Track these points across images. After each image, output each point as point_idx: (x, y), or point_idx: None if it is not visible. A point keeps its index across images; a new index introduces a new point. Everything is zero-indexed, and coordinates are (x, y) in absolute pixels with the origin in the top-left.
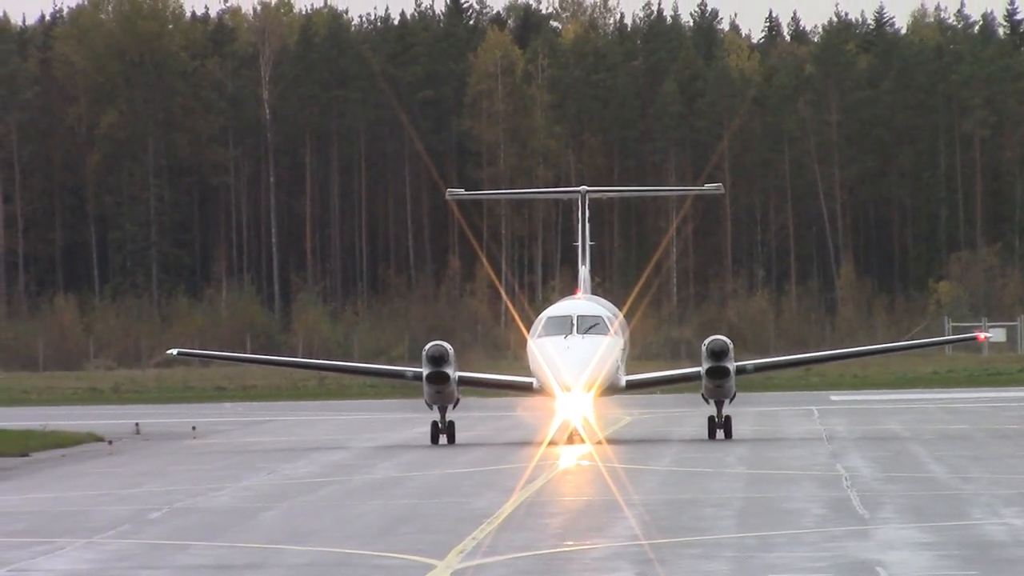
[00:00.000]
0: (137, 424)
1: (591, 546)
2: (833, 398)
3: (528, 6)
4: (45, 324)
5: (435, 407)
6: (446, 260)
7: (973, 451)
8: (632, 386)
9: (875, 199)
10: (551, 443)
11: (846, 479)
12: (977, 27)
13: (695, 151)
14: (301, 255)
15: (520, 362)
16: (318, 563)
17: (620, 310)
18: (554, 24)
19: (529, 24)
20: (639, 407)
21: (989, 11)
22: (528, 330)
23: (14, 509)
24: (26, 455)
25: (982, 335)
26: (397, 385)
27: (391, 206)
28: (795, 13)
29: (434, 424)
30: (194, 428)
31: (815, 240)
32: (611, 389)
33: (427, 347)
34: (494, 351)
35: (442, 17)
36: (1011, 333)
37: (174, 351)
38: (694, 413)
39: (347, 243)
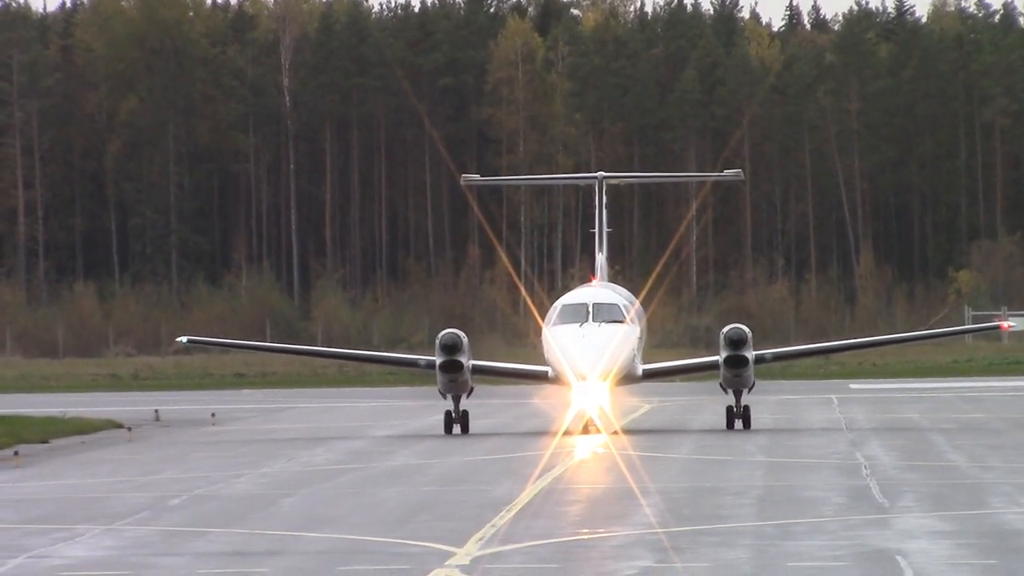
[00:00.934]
0: (156, 411)
1: (610, 534)
2: (852, 387)
3: None
4: (65, 311)
5: (448, 396)
6: (466, 248)
7: (992, 440)
8: (649, 375)
9: (895, 188)
10: (566, 433)
11: (865, 468)
12: (997, 16)
13: (715, 139)
14: (321, 242)
15: (537, 350)
16: (337, 550)
17: (639, 298)
18: (574, 12)
19: (549, 12)
20: (656, 396)
21: (1009, 0)
22: (543, 318)
23: (34, 496)
24: (46, 442)
25: (1006, 324)
26: (415, 373)
27: (411, 193)
28: (815, 2)
29: (448, 414)
30: (213, 415)
31: (835, 229)
32: (627, 378)
33: (440, 335)
34: (514, 339)
35: (462, 5)
36: None
37: (184, 339)
38: (712, 402)
39: (367, 230)
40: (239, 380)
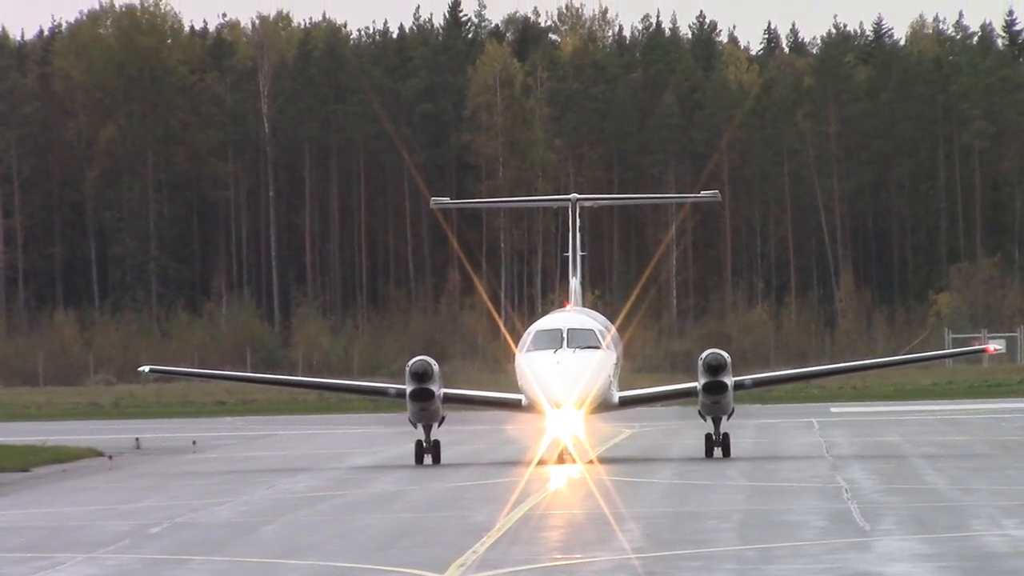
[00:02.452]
0: (137, 439)
1: (591, 559)
2: (833, 410)
3: (527, 19)
4: (45, 339)
5: (419, 425)
6: (446, 274)
7: (973, 463)
8: (625, 402)
9: (874, 210)
10: (540, 462)
11: (846, 491)
12: (976, 38)
13: (694, 163)
14: (301, 269)
15: (512, 377)
16: None
17: (618, 323)
18: (553, 37)
19: (528, 37)
20: (633, 423)
21: (988, 22)
22: (516, 344)
23: (14, 524)
24: (26, 470)
25: (991, 348)
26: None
27: (391, 219)
28: (794, 25)
29: (418, 443)
30: (194, 443)
31: (815, 252)
32: (603, 406)
33: (410, 363)
34: (494, 365)
35: (441, 30)
36: (1011, 344)
37: (146, 368)
38: (691, 428)
39: (347, 257)
40: (220, 408)
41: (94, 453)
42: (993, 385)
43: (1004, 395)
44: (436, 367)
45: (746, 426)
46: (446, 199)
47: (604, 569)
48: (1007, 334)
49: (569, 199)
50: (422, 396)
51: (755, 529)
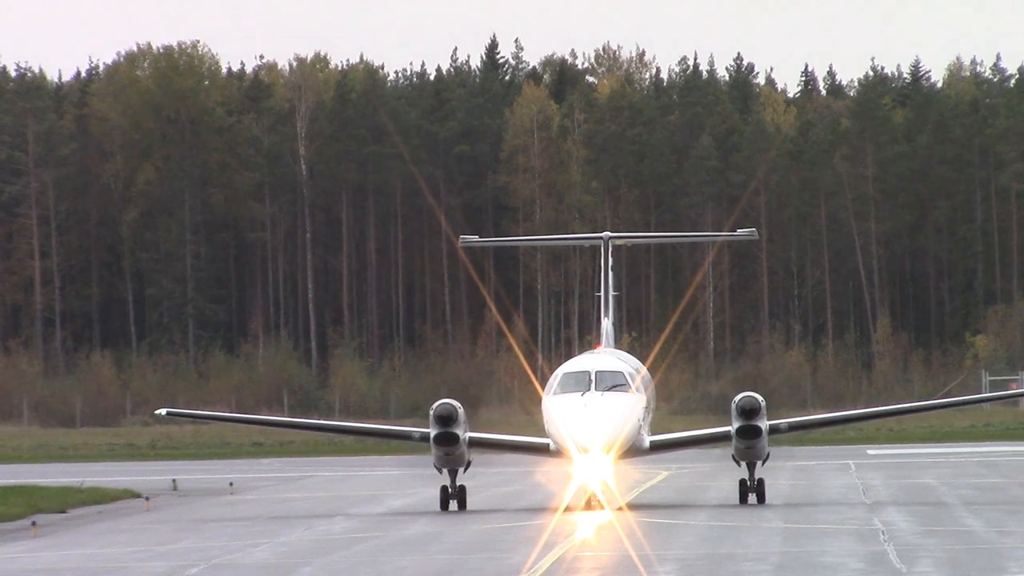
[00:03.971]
0: (174, 480)
1: None
2: (870, 452)
3: (564, 61)
4: (82, 380)
5: (444, 471)
6: (482, 315)
7: (1010, 504)
8: (657, 447)
9: (911, 253)
10: (567, 509)
11: (883, 533)
12: (1013, 80)
13: (731, 205)
14: (338, 310)
15: (538, 421)
16: None
17: (656, 364)
18: (590, 79)
19: (565, 79)
20: (671, 464)
21: None
22: (544, 386)
23: (52, 566)
24: (64, 511)
25: None
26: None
27: (427, 261)
28: (831, 67)
29: (443, 489)
30: (231, 484)
31: (851, 294)
32: (633, 451)
33: (434, 406)
34: (532, 407)
35: (478, 72)
36: None
37: (163, 411)
38: (727, 470)
39: (383, 298)
40: (257, 449)
41: (131, 494)
42: None
43: None
44: (461, 410)
45: (783, 468)
46: (475, 237)
47: None
48: None
49: (601, 237)
50: (447, 440)
51: (792, 571)
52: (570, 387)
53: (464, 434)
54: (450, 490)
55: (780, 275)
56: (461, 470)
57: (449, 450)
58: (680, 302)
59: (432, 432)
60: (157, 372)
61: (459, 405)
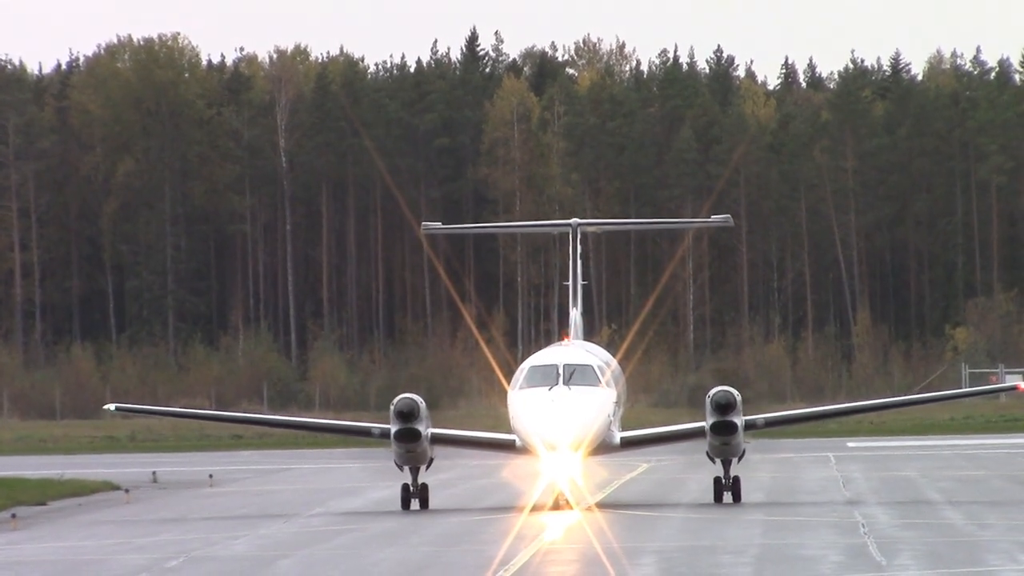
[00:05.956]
0: (154, 472)
1: None
2: (850, 444)
3: (544, 53)
4: (62, 373)
5: (406, 468)
6: (463, 308)
7: (990, 497)
8: (628, 443)
9: (891, 245)
10: (535, 509)
11: (863, 526)
12: (993, 73)
13: (711, 197)
14: (318, 303)
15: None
16: None
17: (632, 356)
18: (570, 71)
19: (545, 71)
20: (650, 457)
21: (1005, 57)
22: (509, 380)
23: (32, 558)
24: (44, 504)
25: (1022, 385)
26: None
27: (407, 254)
28: (811, 60)
29: (405, 487)
30: (211, 476)
31: (831, 286)
32: (603, 448)
33: (395, 401)
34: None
35: (458, 65)
36: None
37: (112, 406)
38: (700, 468)
39: (364, 291)
40: (236, 442)
41: (111, 487)
42: (1010, 420)
43: (1021, 430)
44: (423, 405)
45: (762, 461)
46: (437, 224)
47: None
48: None
49: (570, 224)
50: (408, 437)
51: (772, 564)
52: (537, 381)
53: (426, 430)
54: (412, 488)
55: (760, 267)
56: (423, 468)
57: (410, 447)
58: (660, 295)
59: (392, 428)
60: (137, 364)
61: (421, 400)
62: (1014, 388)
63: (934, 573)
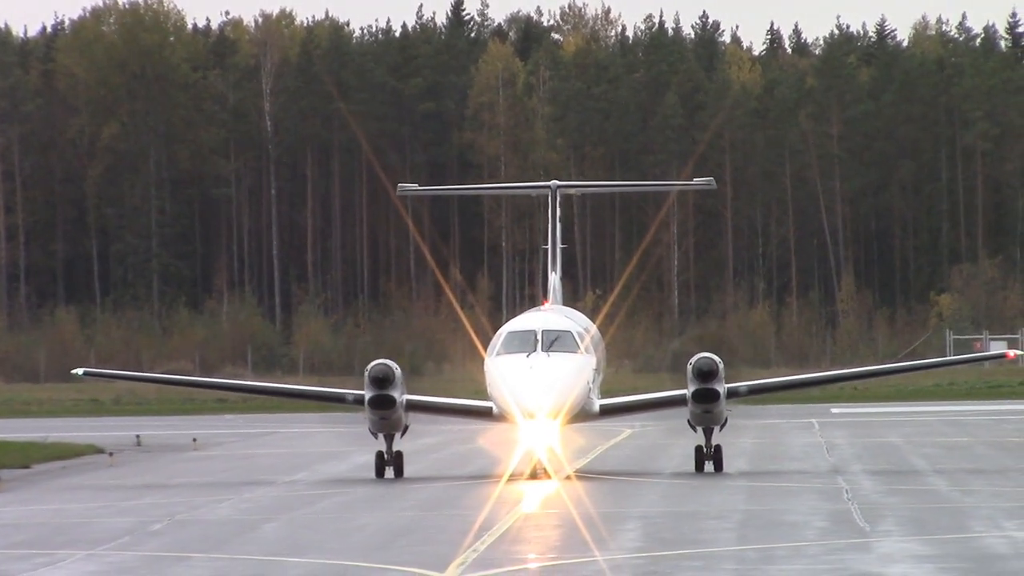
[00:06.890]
0: (138, 436)
1: (592, 558)
2: (834, 410)
3: (529, 18)
4: (46, 336)
5: (380, 435)
6: (447, 273)
7: (974, 464)
8: (607, 411)
9: (876, 212)
10: (512, 478)
11: (847, 492)
12: (979, 40)
13: (696, 163)
14: (302, 267)
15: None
16: (319, 575)
17: (615, 324)
18: (555, 36)
19: (530, 36)
20: (634, 422)
21: (991, 24)
22: (486, 346)
23: (15, 521)
24: (27, 467)
25: (1012, 353)
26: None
27: (392, 218)
28: (796, 25)
29: (379, 455)
30: (195, 440)
31: (816, 253)
32: (582, 415)
33: (369, 366)
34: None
35: (443, 29)
36: (1013, 346)
37: (80, 370)
38: (684, 434)
39: (348, 255)
40: (221, 405)
41: (95, 450)
42: (994, 387)
43: (1005, 396)
44: (398, 371)
45: (746, 427)
46: (413, 186)
47: (604, 569)
48: (1008, 336)
49: (549, 186)
50: (382, 403)
51: (755, 529)
52: (514, 347)
53: (401, 397)
54: (386, 456)
55: (745, 233)
56: (398, 435)
57: (385, 414)
58: (645, 260)
59: (367, 395)
60: (121, 328)
61: (396, 366)
62: (1003, 356)
63: (918, 539)
